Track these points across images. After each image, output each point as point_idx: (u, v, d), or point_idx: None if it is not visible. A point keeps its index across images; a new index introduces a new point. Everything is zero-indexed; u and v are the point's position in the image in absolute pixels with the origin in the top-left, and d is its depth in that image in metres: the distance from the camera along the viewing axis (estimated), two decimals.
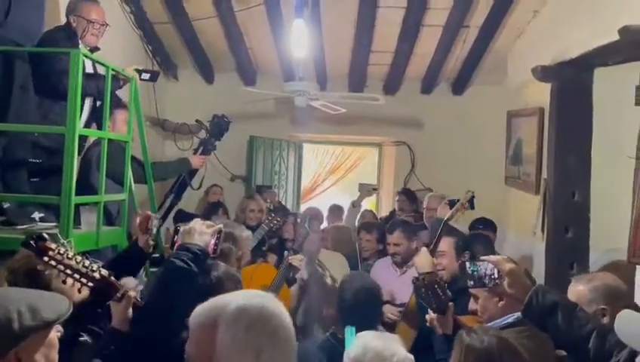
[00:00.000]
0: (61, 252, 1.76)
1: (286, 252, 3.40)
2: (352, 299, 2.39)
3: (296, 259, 3.27)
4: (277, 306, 1.27)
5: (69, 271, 1.77)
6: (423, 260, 2.63)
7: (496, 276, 1.76)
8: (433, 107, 6.17)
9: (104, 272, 1.85)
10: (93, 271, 1.81)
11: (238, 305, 1.23)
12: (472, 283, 1.81)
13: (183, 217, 4.92)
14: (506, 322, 1.87)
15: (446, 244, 2.89)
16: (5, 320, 1.25)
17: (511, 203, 5.48)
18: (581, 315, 1.63)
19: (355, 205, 5.63)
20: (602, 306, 1.93)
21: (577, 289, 2.03)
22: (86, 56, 2.72)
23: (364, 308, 2.36)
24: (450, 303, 2.13)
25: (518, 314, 1.86)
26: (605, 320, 1.90)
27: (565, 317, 1.62)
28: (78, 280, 1.79)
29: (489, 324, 1.93)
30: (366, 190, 5.84)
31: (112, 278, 1.87)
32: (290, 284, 3.37)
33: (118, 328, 1.84)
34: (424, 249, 2.76)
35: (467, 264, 1.81)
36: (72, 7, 3.19)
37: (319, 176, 8.40)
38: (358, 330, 2.13)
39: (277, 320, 1.24)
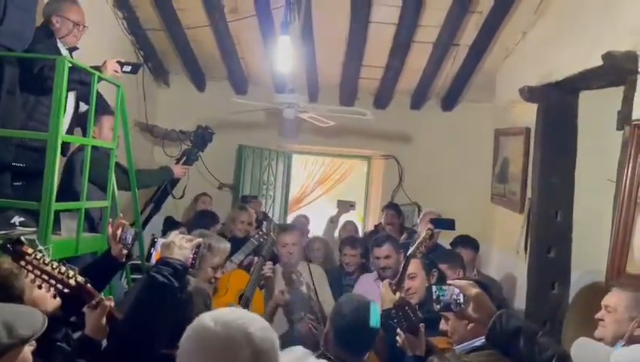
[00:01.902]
0: (37, 257, 1.77)
1: (255, 258, 3.42)
2: (349, 323, 2.21)
3: (267, 268, 3.33)
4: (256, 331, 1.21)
5: (45, 277, 1.78)
6: (384, 296, 2.64)
7: (461, 301, 1.79)
8: (422, 122, 6.22)
9: (80, 279, 1.85)
10: (69, 277, 1.82)
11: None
12: (438, 307, 1.84)
13: (171, 224, 4.92)
14: (474, 345, 1.89)
15: (414, 266, 2.90)
16: None
17: (496, 220, 5.52)
18: (542, 341, 1.66)
19: (334, 221, 5.67)
20: None
21: (622, 294, 2.13)
22: (73, 64, 2.71)
23: (361, 332, 2.21)
24: (422, 324, 2.13)
25: None
26: (639, 331, 1.98)
27: (527, 343, 1.65)
28: (54, 286, 1.79)
29: (458, 346, 1.95)
30: (344, 206, 5.88)
31: (88, 285, 1.87)
32: (262, 289, 3.41)
33: (91, 336, 1.83)
34: (386, 283, 2.77)
35: (434, 288, 1.84)
36: (56, 7, 3.16)
37: (307, 186, 8.41)
38: (354, 352, 2.12)
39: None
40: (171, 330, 1.74)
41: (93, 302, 1.85)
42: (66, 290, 1.79)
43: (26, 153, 2.93)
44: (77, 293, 1.83)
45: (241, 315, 1.24)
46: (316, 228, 5.84)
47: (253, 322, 1.23)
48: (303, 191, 8.39)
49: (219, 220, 4.61)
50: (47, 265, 1.77)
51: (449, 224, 3.18)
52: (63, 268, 1.81)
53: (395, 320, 2.13)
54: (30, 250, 1.75)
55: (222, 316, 1.23)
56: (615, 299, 2.12)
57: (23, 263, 1.74)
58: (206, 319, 1.22)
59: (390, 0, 4.62)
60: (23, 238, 1.78)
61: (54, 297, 1.81)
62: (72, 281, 1.81)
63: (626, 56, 2.98)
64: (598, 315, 2.16)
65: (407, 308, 2.10)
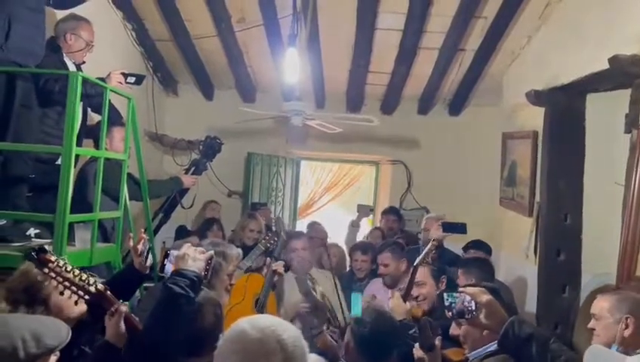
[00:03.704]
0: (60, 264, 1.82)
1: (268, 259, 3.44)
2: (370, 332, 2.25)
3: (278, 266, 3.34)
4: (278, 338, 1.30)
5: (66, 284, 1.83)
6: (396, 306, 2.65)
7: (473, 308, 1.80)
8: (430, 127, 6.24)
9: (100, 286, 1.90)
10: (90, 284, 1.87)
11: None
12: (450, 314, 1.85)
13: (184, 233, 4.97)
14: (488, 350, 1.90)
15: (423, 274, 2.92)
16: (11, 349, 1.30)
17: (505, 224, 5.52)
18: (554, 347, 1.67)
19: (355, 225, 5.71)
20: (626, 315, 2.04)
21: (604, 299, 2.16)
22: (86, 79, 2.77)
23: (382, 341, 2.25)
24: (438, 338, 2.13)
25: None
26: (627, 332, 2.00)
27: (539, 349, 1.67)
28: (75, 293, 1.85)
29: (472, 354, 1.96)
30: (364, 210, 5.95)
31: (108, 292, 1.92)
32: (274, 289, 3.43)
33: (112, 342, 1.88)
34: (397, 294, 2.79)
35: (445, 295, 1.85)
36: (72, 25, 3.23)
37: (316, 192, 8.43)
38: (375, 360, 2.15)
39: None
40: (185, 339, 1.78)
41: (112, 308, 1.89)
42: (86, 297, 1.84)
43: (34, 165, 2.98)
44: (97, 300, 1.87)
45: (273, 322, 1.34)
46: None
47: (286, 330, 1.32)
48: (312, 197, 8.42)
49: (220, 226, 4.67)
50: (69, 272, 1.83)
51: (460, 228, 3.19)
52: (84, 276, 1.87)
53: (416, 335, 2.15)
54: (53, 258, 1.81)
55: (258, 322, 1.33)
56: (599, 306, 2.14)
57: (46, 270, 1.79)
58: (244, 324, 1.33)
59: (396, 7, 4.66)
60: (46, 246, 1.84)
61: (75, 304, 1.86)
62: (92, 288, 1.86)
63: (632, 60, 2.99)
64: (589, 325, 2.19)
65: (427, 323, 2.11)
